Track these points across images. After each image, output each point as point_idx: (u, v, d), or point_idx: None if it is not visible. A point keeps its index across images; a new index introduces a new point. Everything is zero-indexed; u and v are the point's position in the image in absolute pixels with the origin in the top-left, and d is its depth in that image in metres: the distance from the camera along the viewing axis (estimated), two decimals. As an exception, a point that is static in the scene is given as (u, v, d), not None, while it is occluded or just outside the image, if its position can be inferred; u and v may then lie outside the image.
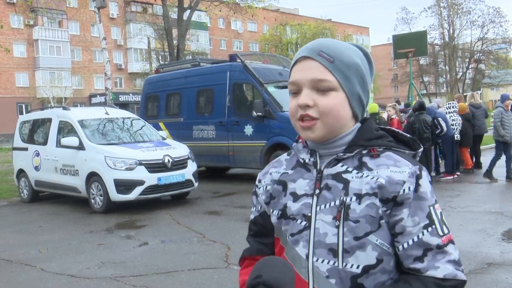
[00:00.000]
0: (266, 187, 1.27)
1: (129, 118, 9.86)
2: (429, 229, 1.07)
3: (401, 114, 11.87)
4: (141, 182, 8.11)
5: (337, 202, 1.11)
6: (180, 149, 8.99)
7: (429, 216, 1.08)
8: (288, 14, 58.89)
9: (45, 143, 9.59)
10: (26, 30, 41.62)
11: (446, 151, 10.42)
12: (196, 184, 8.97)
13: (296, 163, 1.23)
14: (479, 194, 8.50)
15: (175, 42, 21.48)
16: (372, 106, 10.35)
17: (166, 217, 7.75)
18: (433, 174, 10.55)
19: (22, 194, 10.35)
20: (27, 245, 6.41)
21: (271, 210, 1.24)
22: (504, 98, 9.70)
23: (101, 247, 6.09)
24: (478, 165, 11.31)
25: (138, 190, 8.11)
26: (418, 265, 1.07)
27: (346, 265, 1.09)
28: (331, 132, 1.14)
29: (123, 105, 34.95)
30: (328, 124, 1.12)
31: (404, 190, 1.08)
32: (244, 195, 9.37)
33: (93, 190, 8.38)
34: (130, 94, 44.26)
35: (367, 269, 1.08)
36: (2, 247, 6.37)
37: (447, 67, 51.87)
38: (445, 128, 9.69)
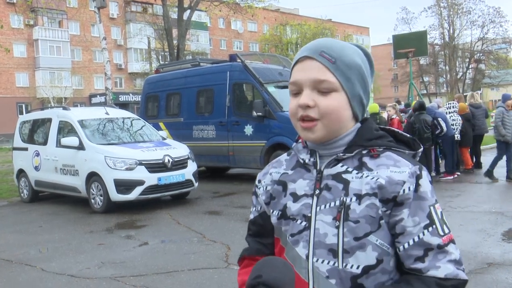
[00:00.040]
0: (266, 187, 1.27)
1: (129, 118, 9.86)
2: (430, 229, 1.07)
3: (401, 114, 11.87)
4: (141, 182, 8.12)
5: (337, 203, 1.11)
6: (180, 149, 8.99)
7: (429, 216, 1.08)
8: (288, 14, 58.88)
9: (45, 143, 9.59)
10: (26, 30, 41.63)
11: (446, 151, 10.42)
12: (196, 184, 8.98)
13: (296, 164, 1.23)
14: (479, 194, 8.51)
15: (175, 42, 21.47)
16: (372, 106, 10.35)
17: (166, 217, 7.75)
18: (433, 174, 10.55)
19: (22, 194, 10.35)
20: (27, 245, 6.41)
21: (271, 211, 1.24)
22: (505, 98, 9.70)
23: (101, 247, 6.09)
24: (478, 165, 11.32)
25: (138, 190, 8.11)
26: (419, 265, 1.06)
27: (346, 265, 1.09)
28: (331, 133, 1.14)
29: (123, 105, 34.95)
30: (328, 125, 1.12)
31: (404, 190, 1.08)
32: (244, 195, 9.37)
33: (93, 190, 8.38)
34: (130, 94, 44.26)
35: (367, 270, 1.08)
36: (2, 247, 6.37)
37: (447, 67, 51.85)
38: (445, 128, 9.70)
